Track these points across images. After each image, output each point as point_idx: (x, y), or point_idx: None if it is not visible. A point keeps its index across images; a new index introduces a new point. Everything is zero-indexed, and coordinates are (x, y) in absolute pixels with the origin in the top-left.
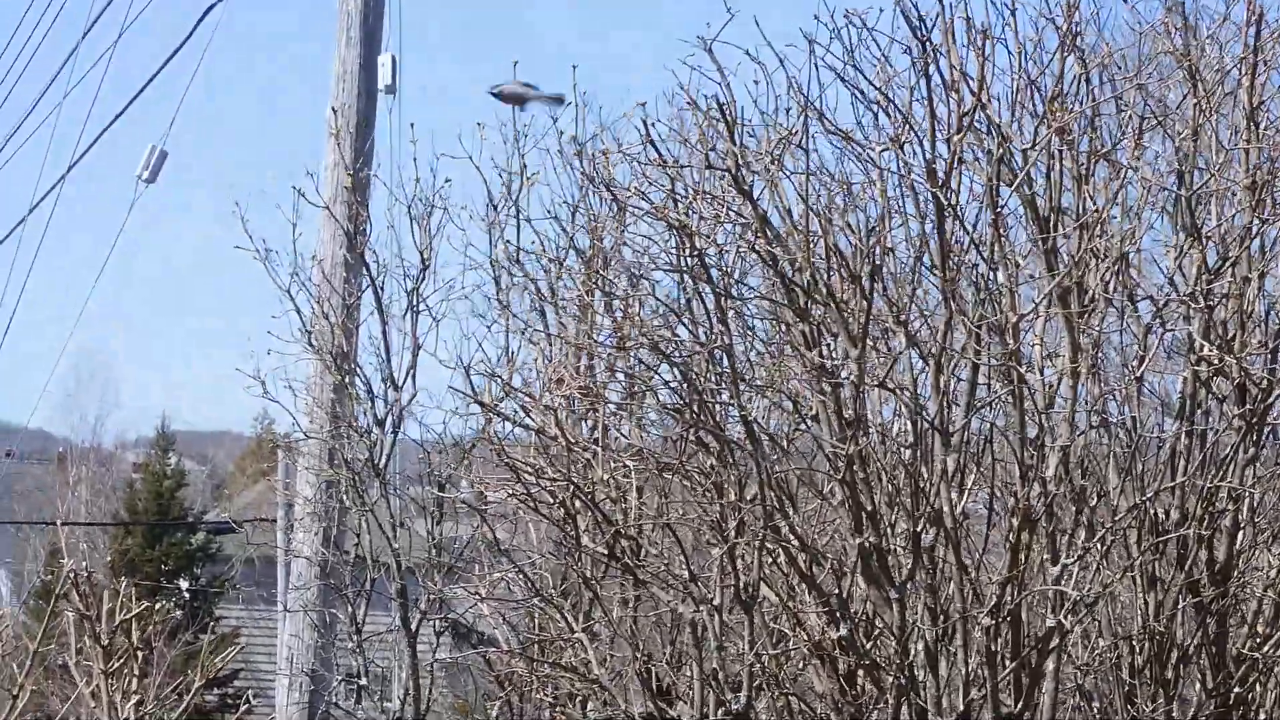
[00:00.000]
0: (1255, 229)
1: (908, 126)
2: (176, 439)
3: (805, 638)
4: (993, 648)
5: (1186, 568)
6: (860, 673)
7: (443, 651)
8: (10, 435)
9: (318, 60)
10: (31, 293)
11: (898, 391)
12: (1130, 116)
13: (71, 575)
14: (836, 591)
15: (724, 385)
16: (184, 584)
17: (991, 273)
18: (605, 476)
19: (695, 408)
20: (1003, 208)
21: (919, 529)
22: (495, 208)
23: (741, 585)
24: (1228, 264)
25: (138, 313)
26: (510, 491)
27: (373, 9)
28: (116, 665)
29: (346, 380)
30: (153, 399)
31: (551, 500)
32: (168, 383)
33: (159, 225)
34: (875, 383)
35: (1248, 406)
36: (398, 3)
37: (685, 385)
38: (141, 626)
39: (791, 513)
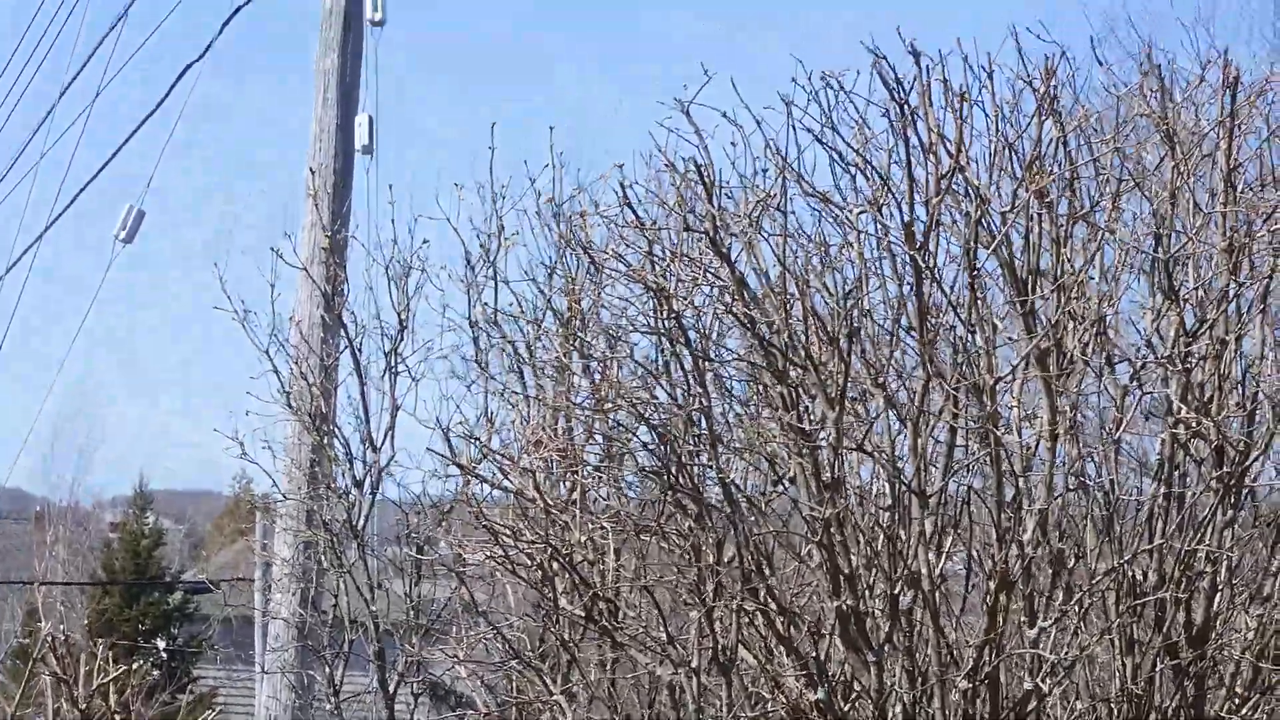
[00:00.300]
0: (1232, 291)
1: (885, 189)
2: (154, 498)
3: (783, 700)
4: (970, 711)
5: (1165, 630)
6: None
7: (420, 713)
8: None
9: (298, 118)
10: (10, 351)
11: (875, 454)
12: (1108, 179)
13: (49, 638)
14: (814, 654)
15: (702, 447)
16: (161, 644)
17: (969, 335)
18: (583, 538)
19: (673, 470)
20: (980, 270)
21: (897, 591)
22: (473, 268)
23: (719, 647)
24: (1205, 326)
25: (116, 371)
26: (488, 553)
27: (349, 70)
28: None
29: (325, 441)
30: (131, 458)
31: (529, 562)
32: (146, 442)
33: (138, 284)
34: (853, 445)
35: (1225, 469)
36: (374, 63)
37: (663, 447)
38: (119, 690)
39: (769, 575)
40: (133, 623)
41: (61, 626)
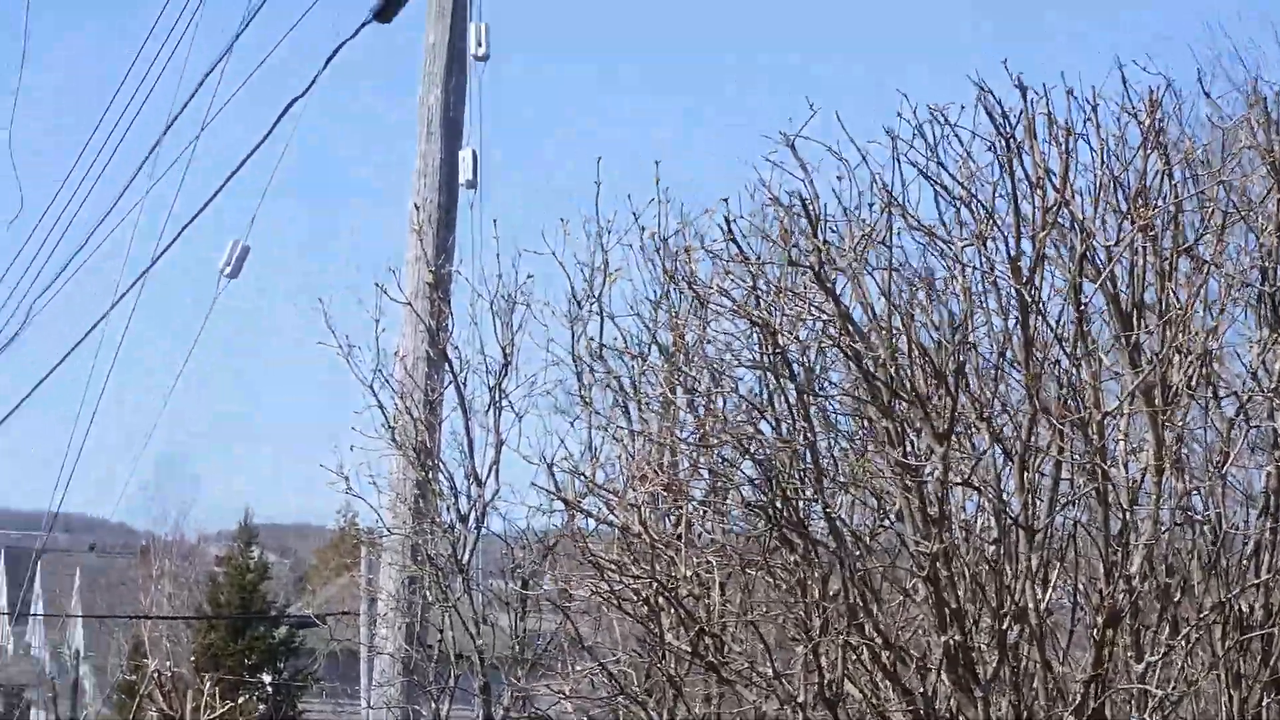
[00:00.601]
0: None
1: (991, 222)
2: (259, 532)
3: None
4: None
5: (1271, 664)
6: None
7: None
8: (94, 529)
9: (402, 154)
10: (116, 387)
11: (982, 488)
12: (1213, 211)
13: (155, 674)
14: (921, 689)
15: (807, 482)
16: (267, 678)
17: (1075, 369)
18: (689, 573)
19: (778, 505)
20: (1086, 304)
21: (1003, 626)
22: (578, 303)
23: (825, 683)
24: None
25: (222, 406)
26: (594, 588)
27: (454, 104)
28: None
29: (429, 476)
30: (236, 492)
31: (635, 597)
32: (251, 475)
33: (243, 319)
34: (959, 480)
35: None
36: (478, 98)
37: (768, 482)
38: None
39: (875, 610)
40: (238, 657)
41: (168, 661)
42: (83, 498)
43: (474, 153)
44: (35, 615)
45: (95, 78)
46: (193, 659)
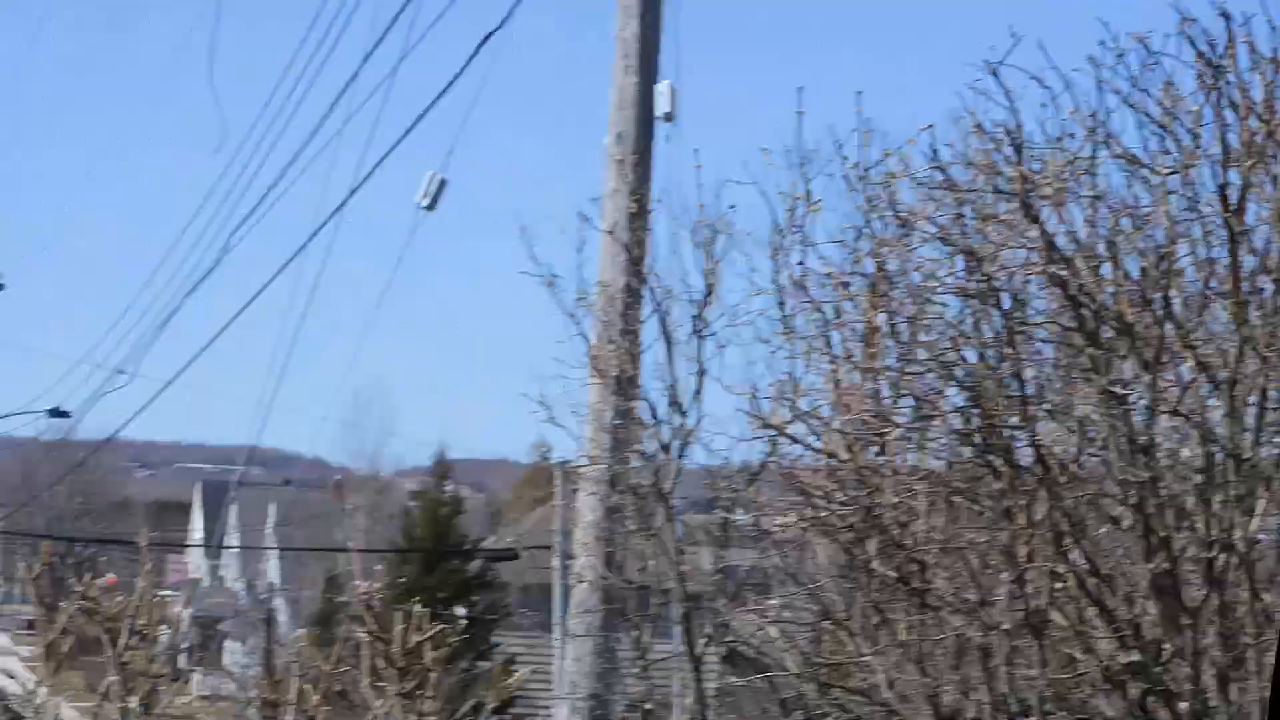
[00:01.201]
0: None
1: (1196, 150)
2: (454, 467)
3: (1095, 663)
4: None
5: None
6: (1151, 698)
7: (727, 678)
8: (289, 464)
9: (598, 87)
10: (313, 322)
11: (1189, 416)
12: None
13: (366, 596)
14: (1128, 616)
15: (1012, 409)
16: (460, 611)
17: None
18: (894, 500)
19: (983, 432)
20: None
21: (1211, 555)
22: (780, 233)
23: (1031, 610)
24: None
25: (417, 341)
26: (799, 515)
27: (650, 38)
28: (409, 687)
29: (631, 405)
30: (430, 427)
31: (840, 523)
32: (445, 411)
33: (439, 253)
34: (1166, 408)
35: None
36: (676, 31)
37: (974, 409)
38: (435, 647)
39: (1081, 538)
40: (431, 591)
41: (374, 586)
42: (279, 433)
43: (671, 85)
44: (231, 548)
45: (294, 10)
46: (381, 590)
